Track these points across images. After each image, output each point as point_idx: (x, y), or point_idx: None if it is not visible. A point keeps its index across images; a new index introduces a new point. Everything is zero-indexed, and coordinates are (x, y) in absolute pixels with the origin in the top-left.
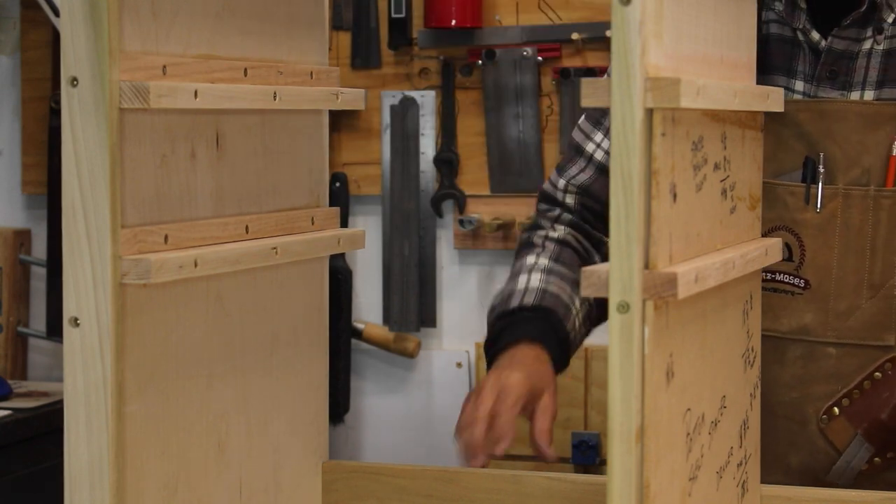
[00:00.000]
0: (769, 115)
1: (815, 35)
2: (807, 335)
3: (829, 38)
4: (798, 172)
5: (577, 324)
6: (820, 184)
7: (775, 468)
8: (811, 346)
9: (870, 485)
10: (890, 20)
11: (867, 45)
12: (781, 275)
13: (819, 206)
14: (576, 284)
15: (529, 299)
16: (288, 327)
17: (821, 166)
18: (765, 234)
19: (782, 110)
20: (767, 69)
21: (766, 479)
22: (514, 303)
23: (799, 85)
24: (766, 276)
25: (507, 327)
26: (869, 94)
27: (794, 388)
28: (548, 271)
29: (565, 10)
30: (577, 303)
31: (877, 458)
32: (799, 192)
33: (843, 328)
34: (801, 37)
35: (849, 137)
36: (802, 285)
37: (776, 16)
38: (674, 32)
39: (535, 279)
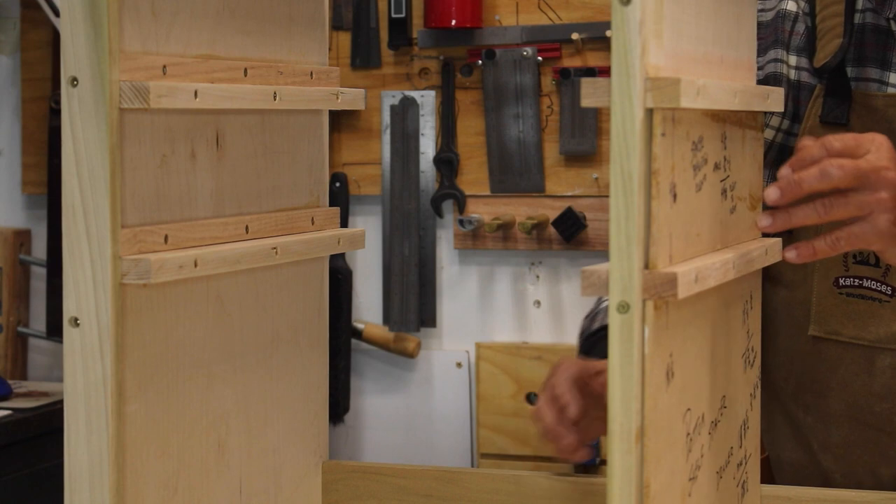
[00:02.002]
0: (860, 111)
1: None
2: (893, 345)
3: None
4: None
5: None
6: None
7: (867, 481)
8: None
9: None
10: None
11: None
12: (868, 281)
13: None
14: None
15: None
16: (288, 327)
17: None
18: None
19: (782, 110)
20: (861, 60)
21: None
22: (597, 324)
23: (893, 78)
24: (853, 282)
25: (593, 348)
26: None
27: (885, 399)
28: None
29: (565, 10)
30: None
31: None
32: None
33: None
34: (893, 26)
35: None
36: (890, 292)
37: (871, 4)
38: (674, 32)
39: None
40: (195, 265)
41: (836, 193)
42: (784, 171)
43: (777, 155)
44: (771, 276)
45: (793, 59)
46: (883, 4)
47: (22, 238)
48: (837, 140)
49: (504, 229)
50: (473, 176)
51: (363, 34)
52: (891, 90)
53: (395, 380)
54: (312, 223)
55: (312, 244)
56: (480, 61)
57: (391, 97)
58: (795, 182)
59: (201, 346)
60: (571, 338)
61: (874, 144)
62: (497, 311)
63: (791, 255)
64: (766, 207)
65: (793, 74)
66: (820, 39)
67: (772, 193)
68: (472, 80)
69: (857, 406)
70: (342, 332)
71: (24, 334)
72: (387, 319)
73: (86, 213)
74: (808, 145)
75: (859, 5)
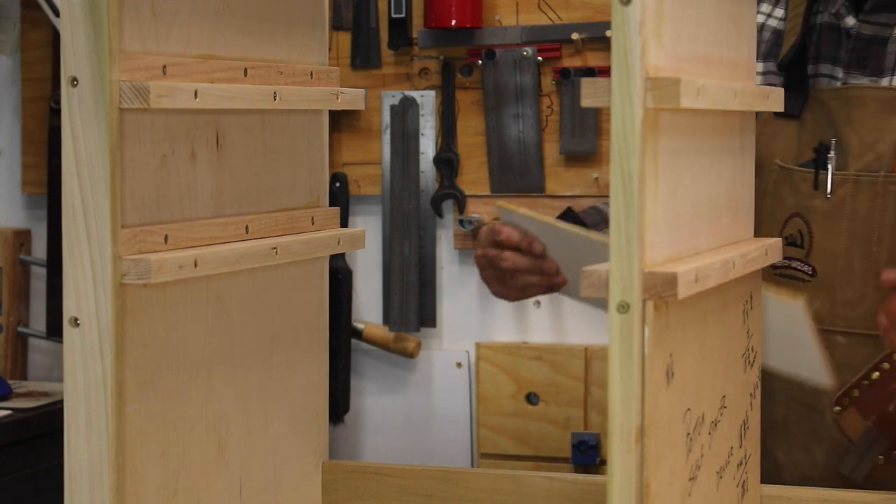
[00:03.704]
0: (812, 105)
1: (850, 20)
2: (818, 323)
3: (857, 24)
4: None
5: None
6: (830, 170)
7: (803, 460)
8: (822, 334)
9: (887, 479)
10: None
11: None
12: (795, 262)
13: (829, 192)
14: None
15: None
16: (288, 327)
17: (832, 152)
18: (783, 222)
19: (782, 109)
20: (817, 58)
21: (792, 471)
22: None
23: (839, 72)
24: (783, 262)
25: None
26: None
27: None
28: (565, 215)
29: (565, 10)
30: None
31: (894, 451)
32: (811, 178)
33: (851, 317)
34: (839, 22)
35: (866, 123)
36: (810, 272)
37: (824, 3)
38: (674, 32)
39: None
40: (195, 265)
41: None
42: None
43: None
44: None
45: (759, 66)
46: (829, 1)
47: (22, 238)
48: None
49: None
50: (473, 176)
51: (363, 34)
52: (838, 84)
53: (395, 380)
54: (312, 223)
55: (312, 244)
56: (480, 61)
57: (391, 97)
58: None
59: (201, 346)
60: (571, 338)
61: None
62: (497, 311)
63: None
64: None
65: (759, 80)
66: (784, 39)
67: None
68: (472, 80)
69: (791, 384)
70: (342, 332)
71: (24, 334)
72: (387, 319)
73: (86, 213)
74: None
75: (820, 6)
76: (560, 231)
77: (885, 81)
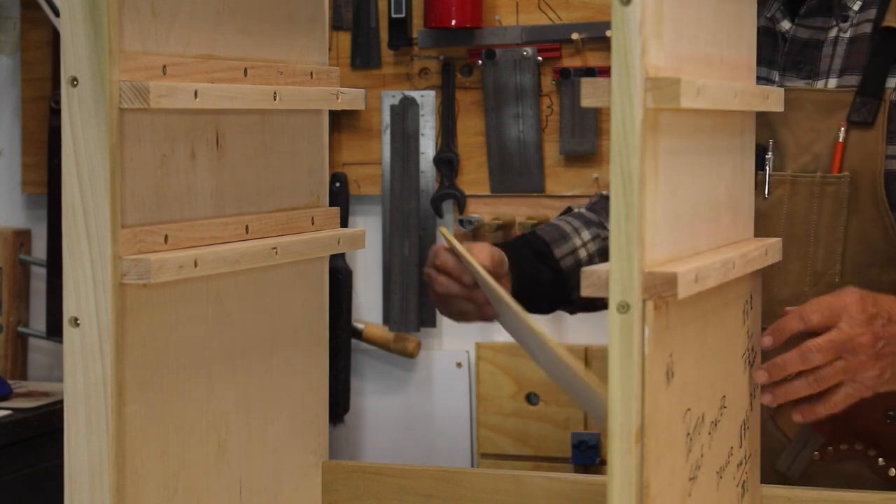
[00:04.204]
0: None
1: (786, 24)
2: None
3: (793, 27)
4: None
5: (578, 245)
6: (767, 171)
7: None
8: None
9: (822, 475)
10: (856, 7)
11: (833, 33)
12: None
13: (766, 193)
14: (590, 222)
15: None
16: (288, 327)
17: (769, 153)
18: None
19: (782, 109)
20: (758, 62)
21: None
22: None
23: (775, 75)
24: None
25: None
26: (833, 83)
27: None
28: (566, 213)
29: (565, 10)
30: (585, 234)
31: (829, 448)
32: None
33: None
34: (774, 26)
35: (802, 125)
36: None
37: (759, 8)
38: (674, 32)
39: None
40: (195, 265)
41: (822, 366)
42: (766, 342)
43: None
44: None
45: None
46: (764, 5)
47: (22, 238)
48: (815, 313)
49: (504, 229)
50: (473, 176)
51: (363, 34)
52: (774, 87)
53: (395, 380)
54: (312, 223)
55: (312, 244)
56: (480, 61)
57: (391, 97)
58: (780, 366)
59: (201, 346)
60: (571, 338)
61: (846, 312)
62: None
63: (797, 417)
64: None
65: None
66: None
67: (761, 376)
68: (472, 80)
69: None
70: (342, 332)
71: (24, 334)
72: (387, 319)
73: (86, 213)
74: (788, 315)
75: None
76: (479, 276)
77: (820, 84)
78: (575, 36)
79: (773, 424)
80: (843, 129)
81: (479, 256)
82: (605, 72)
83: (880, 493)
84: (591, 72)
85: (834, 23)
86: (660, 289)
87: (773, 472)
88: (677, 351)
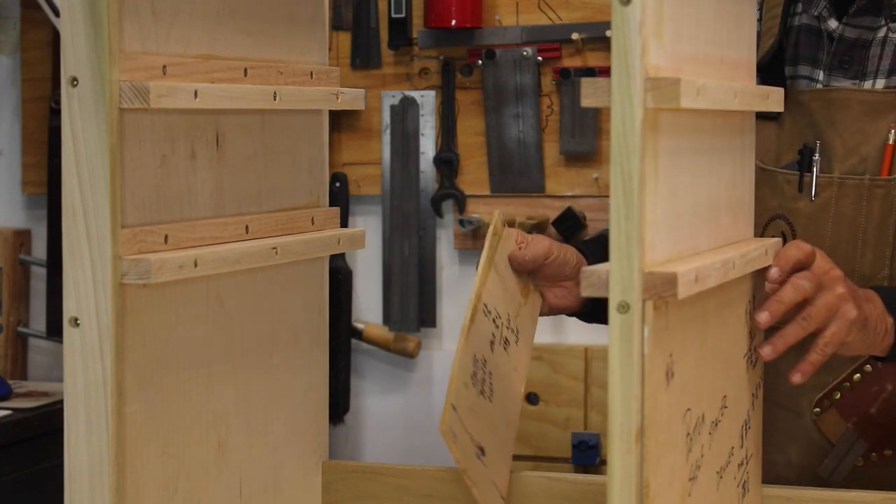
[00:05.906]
0: (790, 106)
1: (833, 23)
2: None
3: (841, 27)
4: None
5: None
6: (814, 172)
7: (779, 459)
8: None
9: (865, 481)
10: None
11: (881, 32)
12: None
13: (813, 194)
14: None
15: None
16: (288, 327)
17: (816, 154)
18: (765, 224)
19: (782, 110)
20: (796, 59)
21: (768, 470)
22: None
23: (820, 74)
24: None
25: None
26: (881, 83)
27: None
28: None
29: (565, 10)
30: None
31: (873, 454)
32: (795, 180)
33: None
34: (821, 24)
35: (849, 126)
36: None
37: (804, 5)
38: (674, 32)
39: None
40: (195, 265)
41: (807, 306)
42: (763, 318)
43: None
44: None
45: None
46: (811, 4)
47: (22, 238)
48: (793, 256)
49: None
50: (473, 176)
51: (363, 34)
52: (818, 86)
53: (395, 380)
54: (312, 223)
55: (312, 244)
56: (480, 61)
57: (391, 97)
58: (777, 301)
59: (201, 346)
60: (571, 338)
61: (817, 254)
62: None
63: (796, 377)
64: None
65: None
66: (760, 40)
67: (763, 318)
68: (472, 80)
69: (768, 385)
70: (342, 332)
71: (24, 334)
72: (387, 319)
73: (86, 213)
74: (774, 268)
75: (798, 8)
76: (480, 264)
77: (867, 84)
78: (575, 36)
79: (817, 431)
80: (893, 131)
81: (535, 249)
82: (605, 72)
83: (880, 492)
84: (591, 72)
85: (883, 22)
86: (660, 289)
87: (813, 477)
88: (677, 351)
